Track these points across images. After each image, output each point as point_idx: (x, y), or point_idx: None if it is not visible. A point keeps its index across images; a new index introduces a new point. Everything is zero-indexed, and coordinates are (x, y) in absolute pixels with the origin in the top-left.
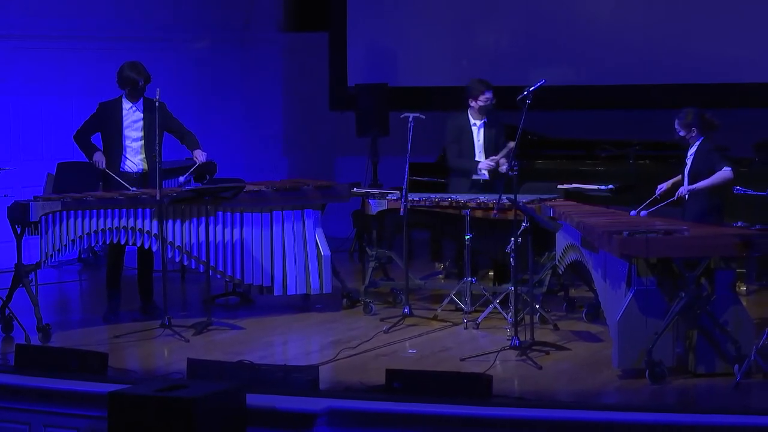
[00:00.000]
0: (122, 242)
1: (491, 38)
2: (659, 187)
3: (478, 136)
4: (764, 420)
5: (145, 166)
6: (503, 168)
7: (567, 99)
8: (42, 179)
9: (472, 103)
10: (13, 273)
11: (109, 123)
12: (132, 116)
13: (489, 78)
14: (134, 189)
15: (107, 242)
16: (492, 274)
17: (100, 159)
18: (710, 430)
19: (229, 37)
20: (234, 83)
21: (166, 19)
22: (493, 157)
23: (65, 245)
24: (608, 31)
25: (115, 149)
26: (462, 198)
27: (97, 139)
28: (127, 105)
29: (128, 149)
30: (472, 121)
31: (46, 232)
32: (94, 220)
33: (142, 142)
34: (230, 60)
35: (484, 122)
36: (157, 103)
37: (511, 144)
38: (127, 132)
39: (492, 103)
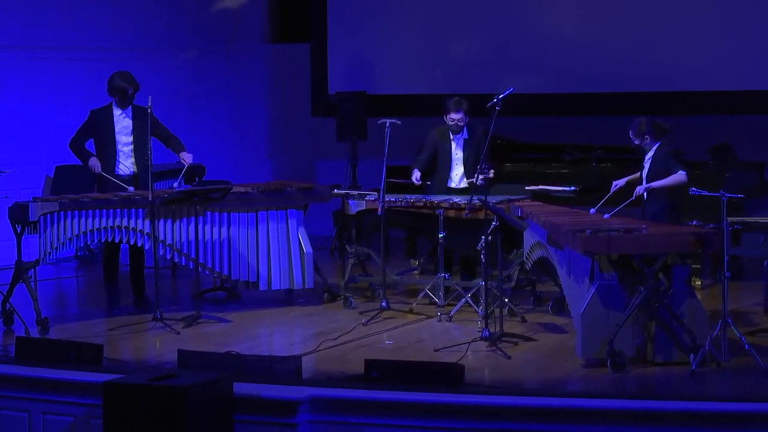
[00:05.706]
0: (116, 240)
1: (463, 49)
2: (614, 183)
3: (456, 149)
4: (717, 406)
5: (136, 169)
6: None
7: (534, 106)
8: (40, 181)
9: (446, 119)
10: (14, 270)
11: (100, 129)
12: (122, 122)
13: (461, 86)
14: (132, 189)
15: (102, 241)
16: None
17: (95, 164)
18: (667, 416)
19: (217, 48)
20: (222, 91)
21: (157, 31)
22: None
23: (62, 243)
24: (572, 43)
25: (109, 154)
26: (436, 199)
27: (90, 145)
28: (117, 112)
29: (120, 153)
30: (451, 135)
31: (45, 231)
32: (89, 219)
33: (132, 146)
34: (218, 69)
35: (464, 138)
36: (149, 110)
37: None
38: (118, 137)
39: (464, 123)
